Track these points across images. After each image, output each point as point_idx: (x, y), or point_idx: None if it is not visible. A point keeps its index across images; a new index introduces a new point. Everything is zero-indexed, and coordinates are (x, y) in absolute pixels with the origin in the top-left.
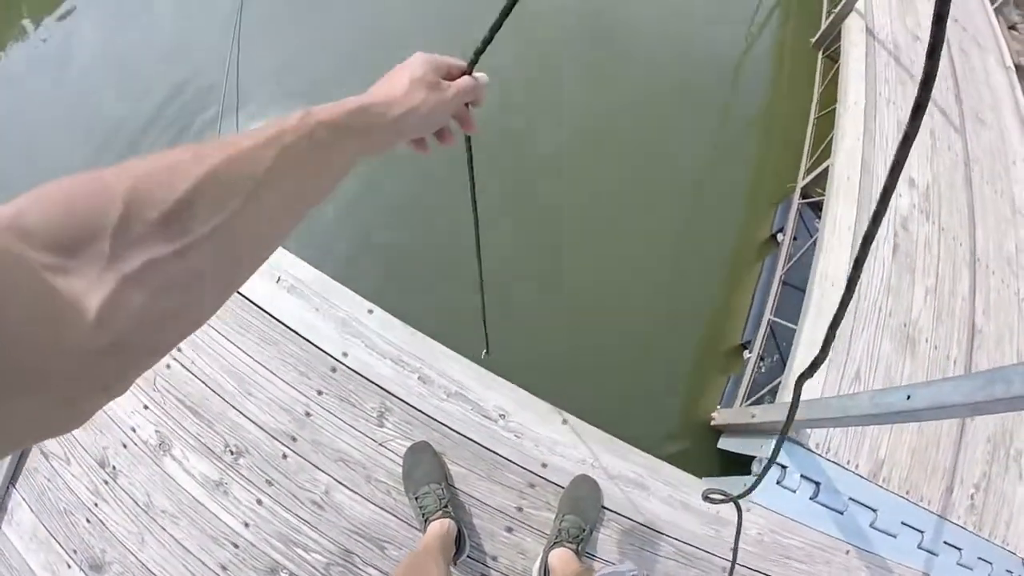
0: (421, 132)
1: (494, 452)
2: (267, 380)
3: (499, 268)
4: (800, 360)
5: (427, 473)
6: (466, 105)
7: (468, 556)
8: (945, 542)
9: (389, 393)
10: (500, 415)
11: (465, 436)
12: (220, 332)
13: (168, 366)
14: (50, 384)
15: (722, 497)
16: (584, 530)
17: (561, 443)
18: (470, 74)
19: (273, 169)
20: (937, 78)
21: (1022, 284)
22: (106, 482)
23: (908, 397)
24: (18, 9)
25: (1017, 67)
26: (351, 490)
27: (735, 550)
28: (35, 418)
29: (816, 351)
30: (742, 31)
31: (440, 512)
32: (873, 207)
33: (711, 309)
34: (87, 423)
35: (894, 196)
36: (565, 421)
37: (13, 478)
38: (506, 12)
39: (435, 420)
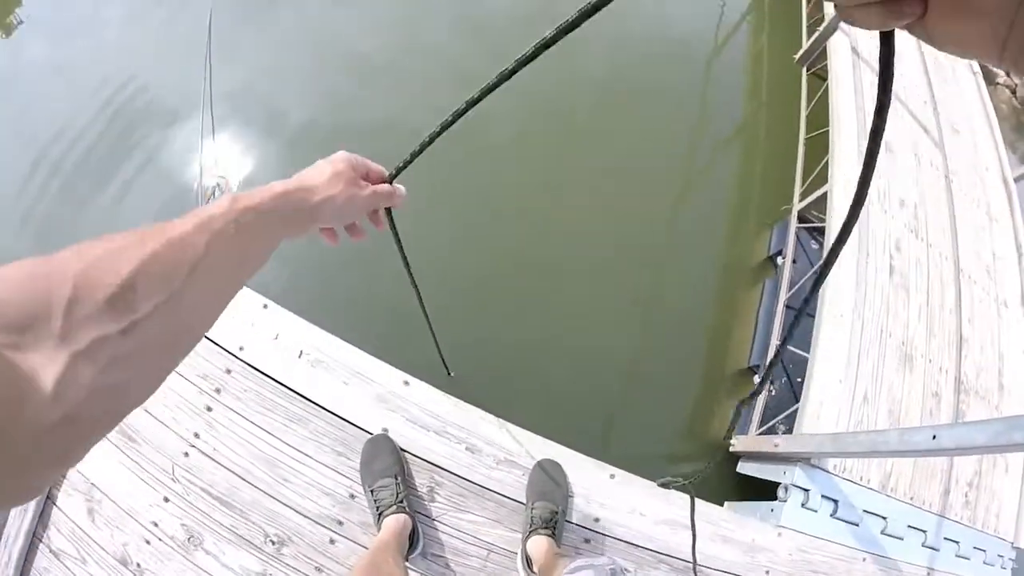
0: (335, 222)
1: None
2: (302, 464)
3: (483, 307)
4: (815, 392)
5: (386, 467)
6: (387, 209)
7: (423, 553)
8: (945, 538)
9: (437, 467)
10: None
11: (519, 502)
12: (240, 414)
13: (186, 454)
14: (5, 456)
15: (674, 480)
16: (556, 513)
17: (611, 496)
18: (390, 183)
19: (206, 252)
20: (916, 94)
21: (1000, 289)
22: None
23: (934, 437)
24: None
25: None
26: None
27: (693, 531)
28: None
29: (829, 383)
30: (711, 31)
31: (395, 507)
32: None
33: (713, 331)
34: (96, 518)
35: (887, 217)
36: (613, 476)
37: None
38: (427, 142)
39: (488, 489)
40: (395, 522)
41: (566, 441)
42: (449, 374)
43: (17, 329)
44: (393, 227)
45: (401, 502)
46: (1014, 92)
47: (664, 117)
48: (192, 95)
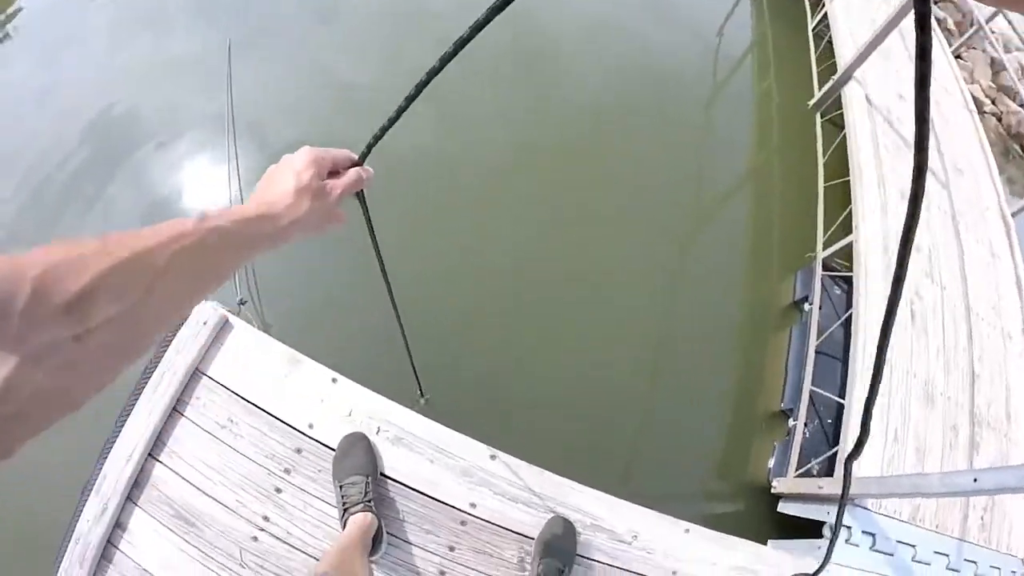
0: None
1: (631, 571)
2: (388, 543)
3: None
4: (853, 433)
5: (358, 464)
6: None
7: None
8: (965, 559)
9: (526, 536)
10: (633, 536)
11: (606, 564)
12: (314, 495)
13: (255, 538)
14: None
15: None
16: (562, 571)
17: (687, 549)
18: (361, 164)
19: (169, 268)
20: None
21: (1004, 322)
22: None
23: (975, 480)
24: None
25: (975, 100)
26: None
27: None
28: None
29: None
30: (711, 64)
31: (362, 505)
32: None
33: (741, 372)
34: None
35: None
36: (688, 530)
37: None
38: (400, 110)
39: (576, 554)
40: (362, 520)
41: (596, 481)
42: (422, 396)
43: None
44: (364, 207)
45: (369, 501)
46: (1000, 119)
47: (666, 148)
48: (176, 117)
